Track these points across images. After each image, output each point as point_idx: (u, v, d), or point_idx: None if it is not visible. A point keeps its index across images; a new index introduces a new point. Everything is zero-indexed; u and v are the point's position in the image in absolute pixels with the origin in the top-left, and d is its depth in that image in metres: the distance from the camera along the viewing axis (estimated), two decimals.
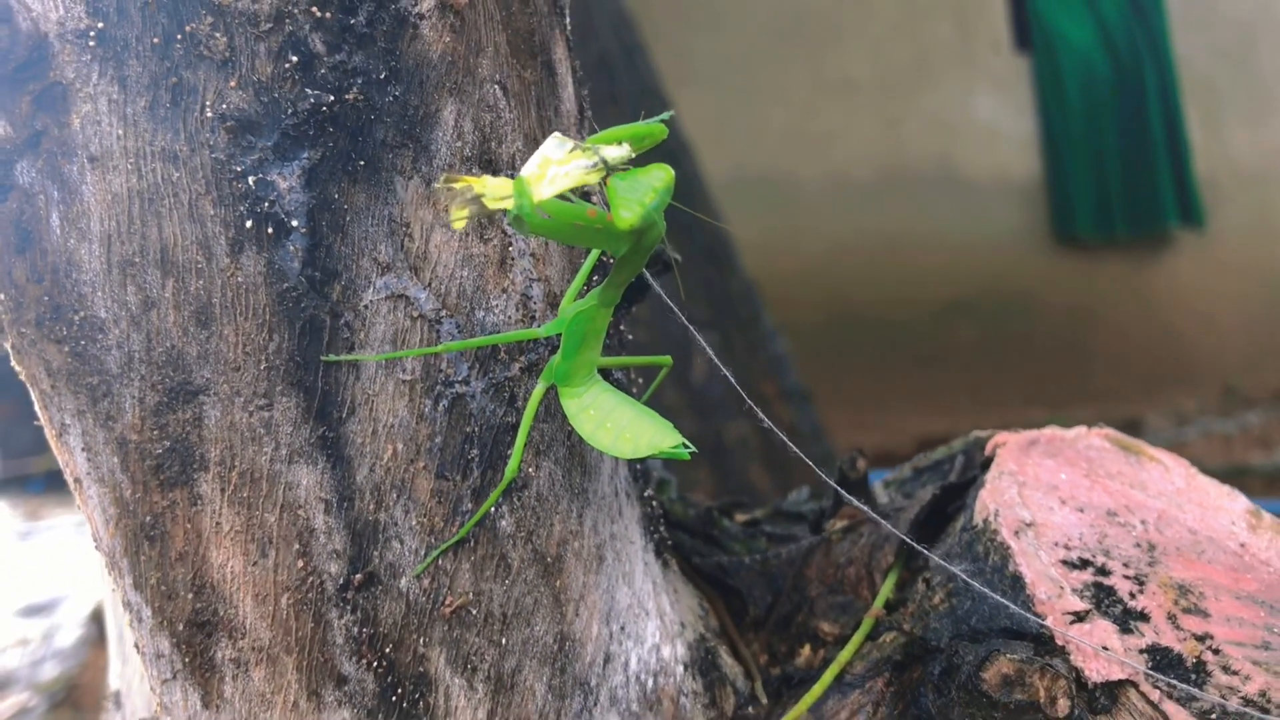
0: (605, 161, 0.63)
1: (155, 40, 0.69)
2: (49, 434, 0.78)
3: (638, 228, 0.61)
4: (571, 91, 0.86)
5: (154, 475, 0.73)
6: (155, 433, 0.73)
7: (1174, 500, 0.94)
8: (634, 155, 0.64)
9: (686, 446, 0.70)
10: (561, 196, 0.63)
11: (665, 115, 0.68)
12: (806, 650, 0.91)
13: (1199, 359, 5.74)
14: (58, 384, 0.74)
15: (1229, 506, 0.95)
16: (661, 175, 0.62)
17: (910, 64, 5.25)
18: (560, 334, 0.74)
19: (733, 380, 0.74)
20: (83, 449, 0.75)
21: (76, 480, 0.77)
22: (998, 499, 0.89)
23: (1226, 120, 5.83)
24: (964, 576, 0.79)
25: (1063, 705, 0.72)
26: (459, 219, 0.60)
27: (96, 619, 3.03)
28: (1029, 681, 0.73)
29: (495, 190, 0.61)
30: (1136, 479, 0.95)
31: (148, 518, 0.74)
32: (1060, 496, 0.91)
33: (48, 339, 0.73)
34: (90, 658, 2.98)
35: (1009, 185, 5.41)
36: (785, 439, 0.77)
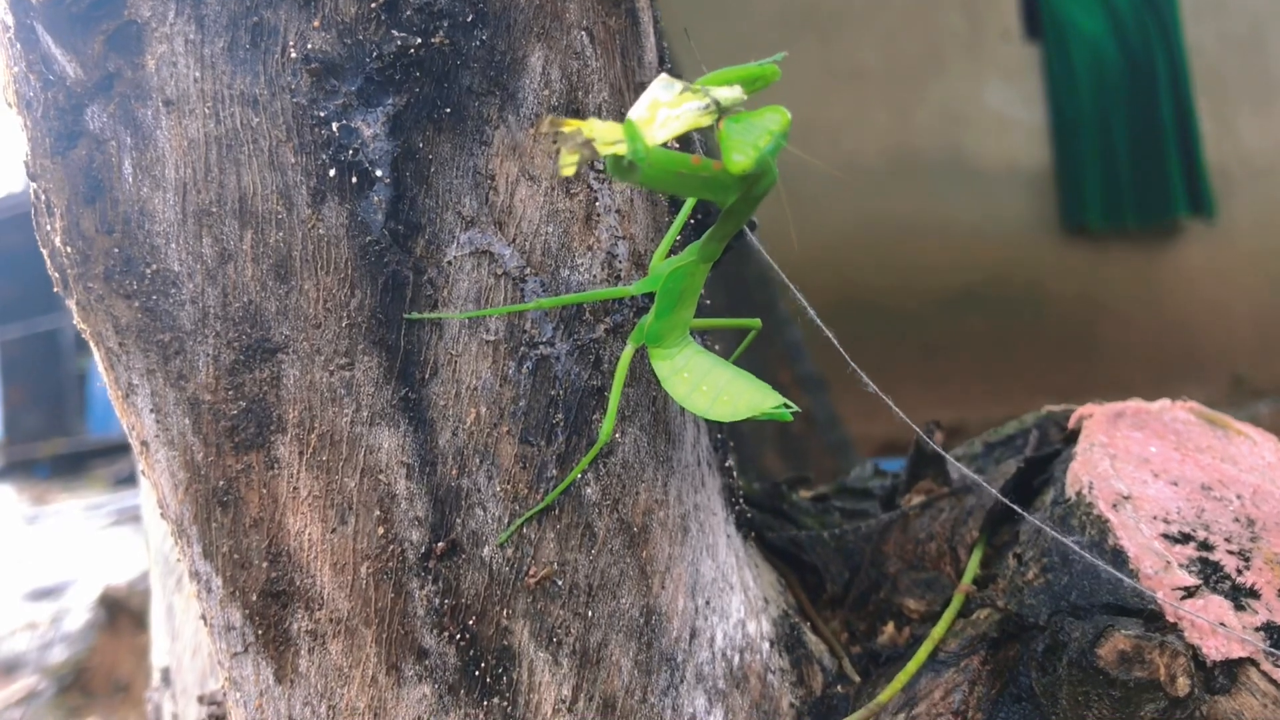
0: (718, 103, 0.59)
1: None
2: (113, 395, 0.74)
3: (751, 173, 0.58)
4: (653, 42, 0.82)
5: (228, 437, 0.70)
6: (230, 393, 0.69)
7: (1267, 475, 0.90)
8: (746, 98, 0.61)
9: (788, 406, 0.67)
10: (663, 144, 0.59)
11: (778, 56, 0.64)
12: (890, 628, 0.88)
13: (1208, 350, 5.72)
14: (126, 342, 0.70)
15: None
16: (777, 118, 0.58)
17: (920, 53, 5.21)
18: (650, 292, 0.71)
19: (835, 342, 0.71)
20: (151, 410, 0.71)
21: (143, 443, 0.73)
22: (1091, 471, 0.85)
23: (1237, 110, 5.80)
24: (1078, 549, 0.76)
25: (1182, 684, 0.69)
26: (569, 164, 0.56)
27: (104, 603, 3.01)
28: (1148, 659, 0.70)
29: (605, 134, 0.57)
30: (1226, 453, 0.92)
31: (220, 482, 0.70)
32: (1152, 469, 0.87)
33: (117, 294, 0.69)
34: (98, 642, 2.95)
35: (1018, 174, 5.37)
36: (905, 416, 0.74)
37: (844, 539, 0.94)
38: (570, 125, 0.56)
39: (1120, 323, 5.53)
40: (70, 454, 6.13)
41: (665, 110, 0.58)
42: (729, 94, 0.59)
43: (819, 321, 0.75)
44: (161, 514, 0.75)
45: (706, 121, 0.59)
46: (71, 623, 3.12)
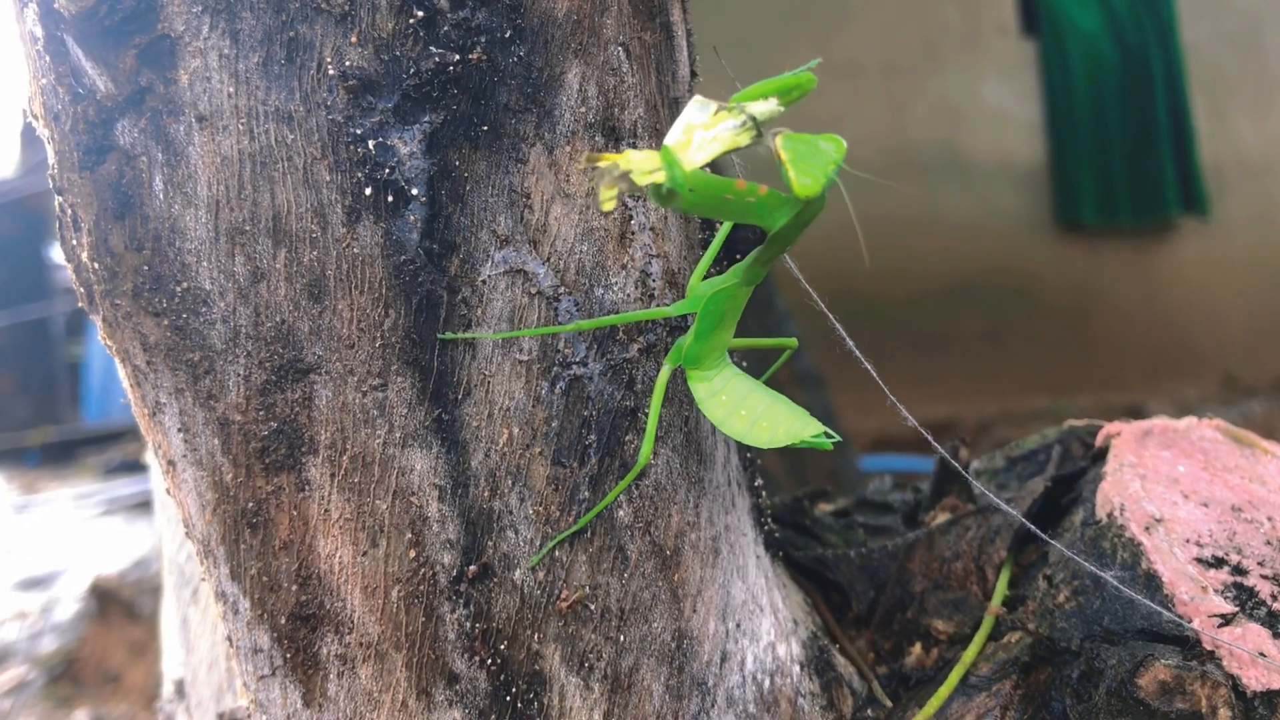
0: (754, 119, 0.58)
1: None
2: (139, 413, 0.73)
3: (812, 199, 0.57)
4: (687, 55, 0.81)
5: (258, 458, 0.69)
6: (261, 413, 0.68)
7: None
8: (783, 110, 0.60)
9: (829, 435, 0.66)
10: (707, 168, 0.58)
11: (813, 63, 0.63)
12: (917, 649, 0.87)
13: (1201, 347, 5.73)
14: (154, 360, 0.69)
15: None
16: (836, 146, 0.57)
17: (917, 48, 5.21)
18: (688, 314, 0.70)
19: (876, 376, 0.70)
20: (179, 430, 0.70)
21: (170, 462, 0.72)
22: (1122, 492, 0.85)
23: (1233, 109, 5.81)
24: (1114, 582, 0.75)
25: (1224, 716, 0.68)
26: (608, 199, 0.55)
27: (95, 593, 2.99)
28: (1190, 690, 0.69)
29: (641, 164, 0.56)
30: (1254, 473, 0.91)
31: (250, 504, 0.69)
32: (1182, 490, 0.87)
33: (145, 311, 0.68)
34: (88, 632, 2.94)
35: (1014, 170, 5.37)
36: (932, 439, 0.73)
37: (870, 557, 0.93)
38: (607, 159, 0.54)
39: (1114, 319, 5.54)
40: (60, 442, 6.10)
41: (701, 133, 0.57)
42: (765, 108, 0.58)
43: (842, 333, 0.74)
44: (187, 533, 0.74)
45: (745, 140, 0.58)
46: (61, 613, 3.11)
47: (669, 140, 0.56)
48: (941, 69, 5.25)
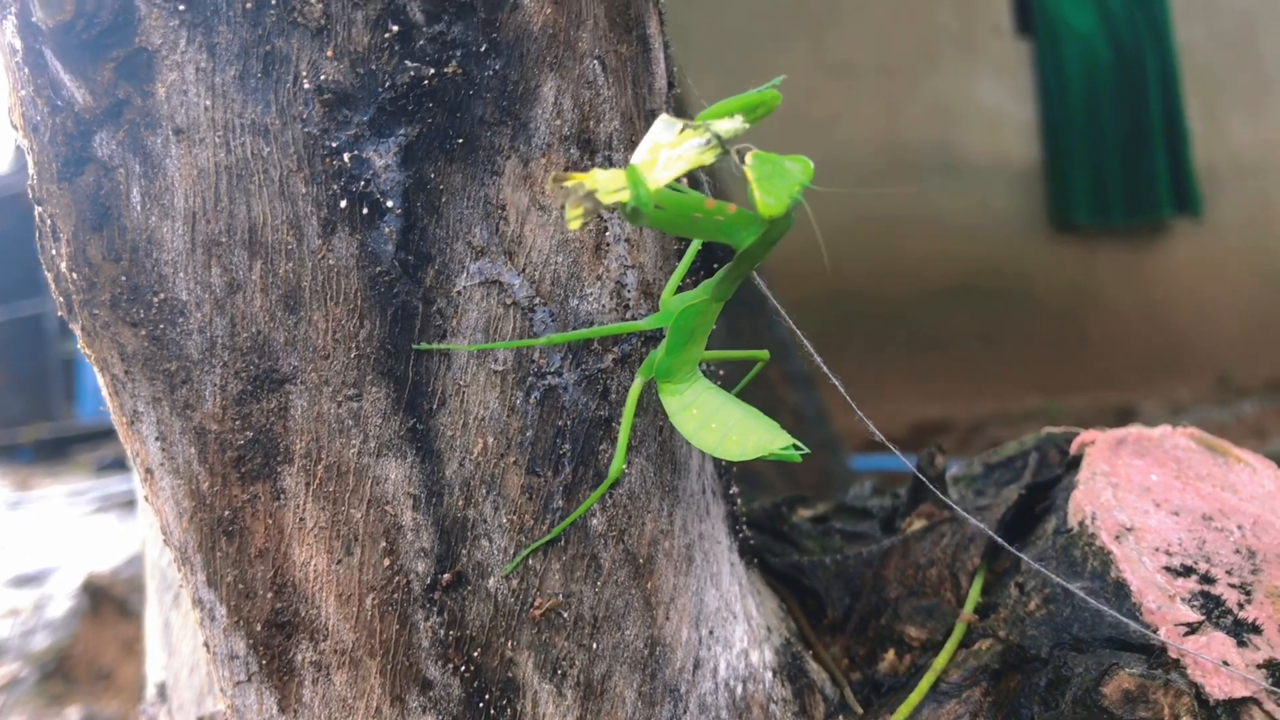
0: (719, 137, 0.59)
1: (247, 5, 0.65)
2: (117, 421, 0.74)
3: (778, 219, 0.58)
4: (664, 67, 0.82)
5: (234, 467, 0.69)
6: (237, 422, 0.69)
7: (1267, 504, 0.91)
8: (749, 127, 0.60)
9: (798, 448, 0.66)
10: (674, 186, 0.59)
11: (777, 80, 0.64)
12: (891, 655, 0.88)
13: (1194, 347, 5.75)
14: (132, 369, 0.70)
15: None
16: (802, 167, 0.58)
17: (912, 47, 5.21)
18: (661, 327, 0.71)
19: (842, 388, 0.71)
20: (156, 438, 0.71)
21: (148, 470, 0.73)
22: (1093, 501, 0.86)
23: (1227, 110, 5.82)
24: (1081, 594, 0.76)
25: None
26: (574, 218, 0.56)
27: (87, 590, 2.99)
28: (1153, 698, 0.70)
29: (607, 183, 0.56)
30: (1226, 481, 0.92)
31: (226, 512, 0.70)
32: (1154, 499, 0.88)
33: (123, 321, 0.68)
34: (81, 629, 2.94)
35: (1008, 170, 5.38)
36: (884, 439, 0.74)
37: (845, 564, 0.94)
38: (573, 179, 0.55)
39: (1107, 319, 5.55)
40: (53, 439, 6.10)
41: (666, 152, 0.58)
42: (730, 126, 0.59)
43: (808, 347, 0.75)
44: (165, 540, 0.75)
45: (709, 158, 0.58)
46: (54, 610, 3.11)
47: (635, 159, 0.57)
48: (936, 69, 5.25)
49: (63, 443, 6.08)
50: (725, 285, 0.67)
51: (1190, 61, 5.61)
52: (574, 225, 0.55)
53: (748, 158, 0.58)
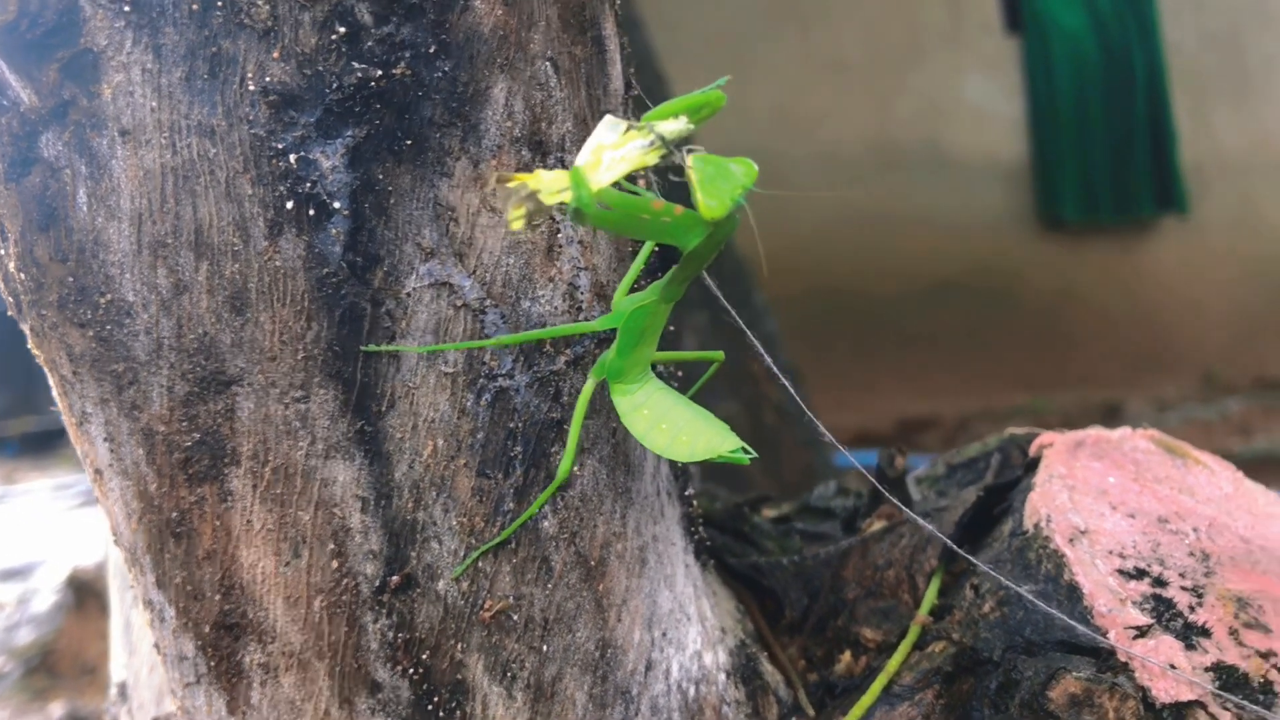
0: (663, 138, 0.59)
1: (194, 7, 0.64)
2: (67, 422, 0.74)
3: (720, 221, 0.58)
4: (620, 69, 0.82)
5: (182, 469, 0.69)
6: (184, 424, 0.69)
7: (1223, 506, 0.91)
8: (693, 128, 0.60)
9: (746, 451, 0.66)
10: (621, 185, 0.59)
11: (721, 81, 0.64)
12: (847, 657, 0.88)
13: (1180, 345, 5.75)
14: (80, 370, 0.70)
15: (1279, 513, 0.93)
16: (745, 170, 0.58)
17: (901, 44, 5.21)
18: (613, 328, 0.70)
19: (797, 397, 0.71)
20: (105, 439, 0.71)
21: (97, 471, 0.73)
22: (1049, 503, 0.86)
23: (1213, 109, 5.83)
24: (1029, 597, 0.76)
25: None
26: (516, 218, 0.56)
27: (72, 585, 2.98)
28: (1098, 702, 0.70)
29: (550, 184, 0.56)
30: (1184, 483, 0.93)
31: (174, 513, 0.70)
32: (1110, 501, 0.88)
33: (70, 322, 0.68)
34: (66, 624, 2.93)
35: (996, 167, 5.39)
36: (836, 442, 0.74)
37: (804, 565, 0.94)
38: (516, 179, 0.55)
39: (1094, 316, 5.56)
40: (39, 432, 6.07)
41: (610, 153, 0.58)
42: (673, 128, 0.59)
43: (761, 349, 0.75)
44: (115, 541, 0.75)
45: (652, 159, 0.59)
46: (39, 604, 3.10)
47: (579, 160, 0.57)
48: (925, 66, 5.25)
49: (49, 436, 6.05)
50: (674, 286, 0.67)
51: (1178, 60, 5.61)
52: (516, 225, 0.55)
53: (690, 159, 0.58)
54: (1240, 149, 5.86)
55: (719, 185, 0.57)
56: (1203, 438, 5.00)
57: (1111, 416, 5.24)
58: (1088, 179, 5.48)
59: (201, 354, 0.68)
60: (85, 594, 2.97)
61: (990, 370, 5.21)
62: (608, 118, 0.59)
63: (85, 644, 2.84)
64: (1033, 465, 0.95)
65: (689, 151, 0.58)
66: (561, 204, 0.56)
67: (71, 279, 0.67)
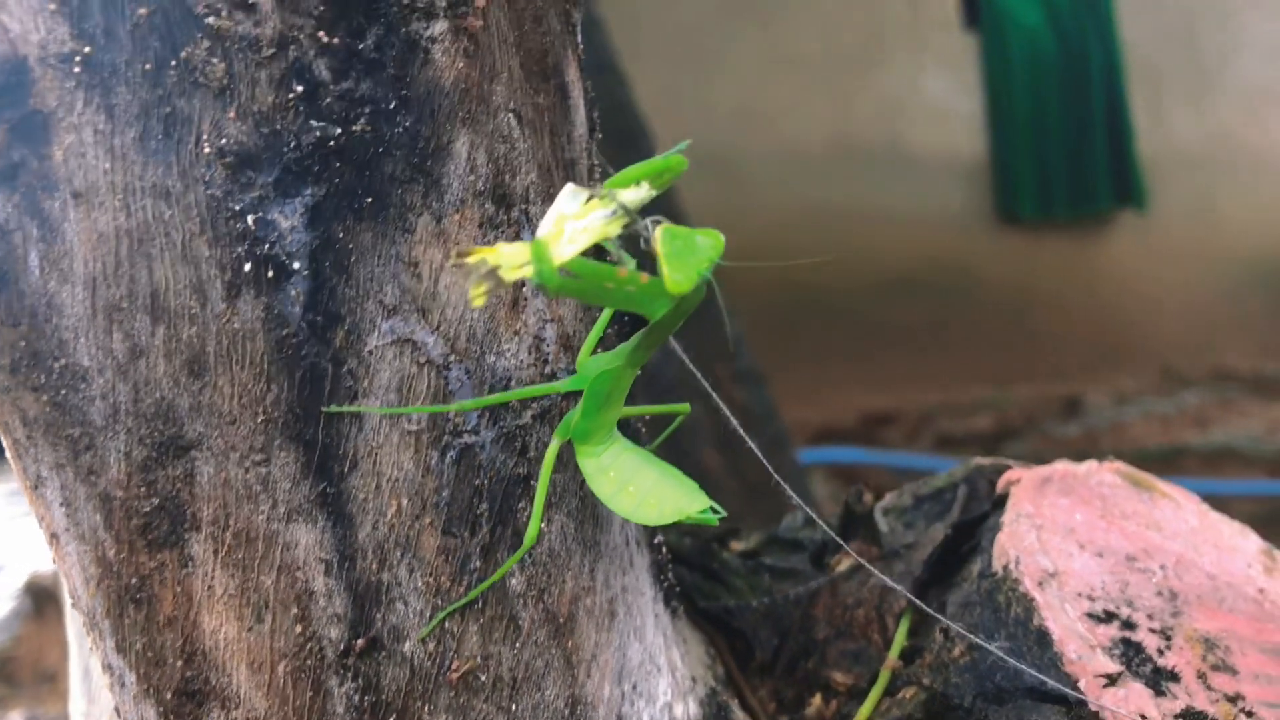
0: (624, 208, 0.58)
1: (147, 66, 0.63)
2: (22, 485, 0.72)
3: (687, 294, 0.57)
4: (583, 114, 0.81)
5: (141, 535, 0.68)
6: (143, 489, 0.67)
7: (1190, 542, 0.91)
8: (655, 194, 0.60)
9: (715, 511, 0.66)
10: (587, 254, 0.58)
11: (682, 145, 0.63)
12: (817, 700, 0.88)
13: (1138, 338, 5.80)
14: (34, 434, 0.68)
15: (1243, 547, 0.93)
16: (713, 242, 0.57)
17: (860, 41, 5.22)
18: (578, 389, 0.70)
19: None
20: (61, 504, 0.69)
21: (53, 535, 0.71)
22: (1017, 544, 0.86)
23: (1170, 103, 5.87)
24: (999, 653, 0.76)
25: None
26: (478, 296, 0.55)
27: (30, 591, 2.94)
28: None
29: (511, 259, 0.55)
30: (1151, 518, 0.93)
31: (133, 579, 0.68)
32: (1078, 540, 0.88)
33: (24, 386, 0.67)
34: (24, 631, 2.89)
35: (955, 163, 5.41)
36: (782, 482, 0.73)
37: (773, 605, 0.94)
38: (476, 254, 0.54)
39: (1053, 311, 5.60)
40: None
41: (572, 224, 0.57)
42: (636, 196, 0.58)
43: (699, 374, 0.74)
44: (73, 604, 0.73)
45: (615, 230, 0.58)
46: None
47: (540, 231, 0.56)
48: (884, 63, 5.27)
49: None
50: (639, 353, 0.66)
51: (1135, 57, 5.65)
52: (478, 303, 0.54)
53: (657, 232, 0.57)
54: (1196, 144, 5.92)
55: (685, 259, 0.56)
56: (1161, 430, 5.06)
57: (1072, 409, 5.29)
58: (1045, 175, 5.52)
59: (159, 418, 0.66)
60: (43, 600, 2.93)
61: (951, 365, 5.24)
62: (569, 186, 0.58)
63: (44, 651, 2.81)
64: (1000, 502, 0.95)
65: (655, 223, 0.57)
66: (523, 279, 0.55)
67: (24, 343, 0.66)
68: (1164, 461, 4.70)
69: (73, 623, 1.03)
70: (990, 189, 5.47)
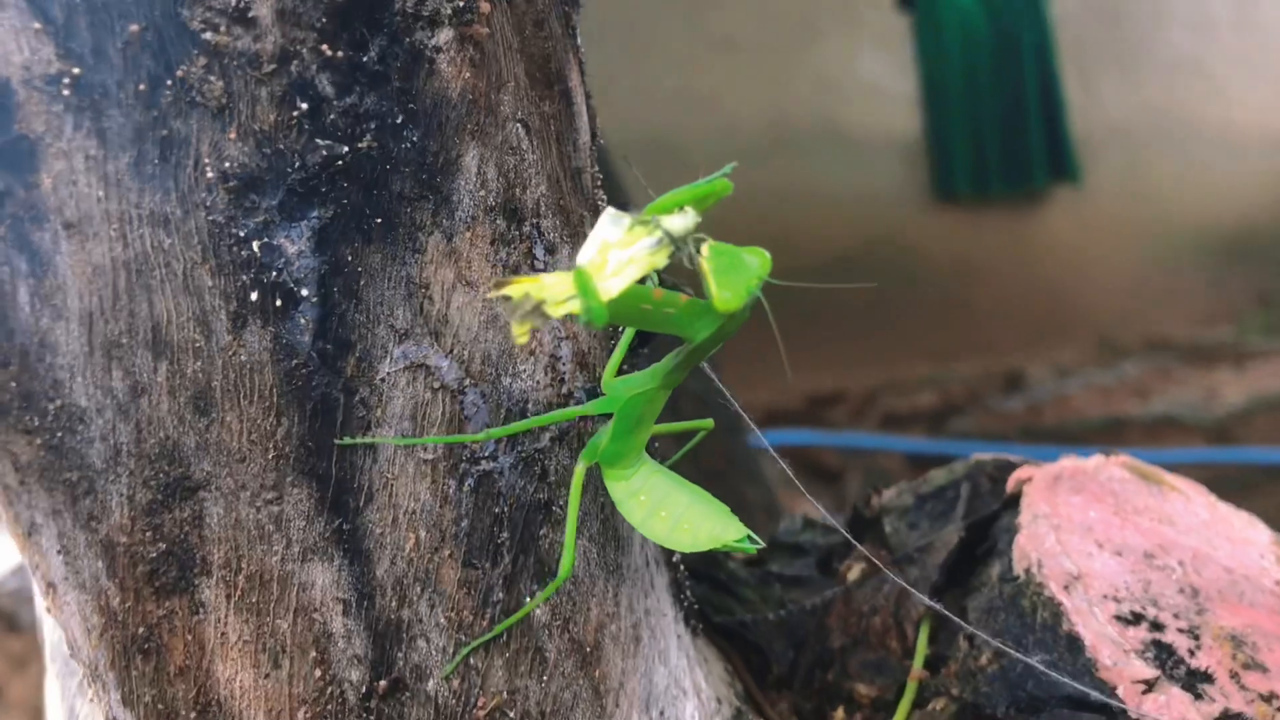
0: (670, 235, 0.55)
1: (140, 87, 0.59)
2: (13, 533, 0.68)
3: (736, 313, 0.54)
4: (586, 120, 0.77)
5: (147, 582, 0.64)
6: (148, 534, 0.63)
7: (1203, 535, 0.90)
8: (700, 220, 0.56)
9: (753, 539, 0.63)
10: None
11: (728, 169, 0.60)
12: (840, 714, 0.86)
13: (1076, 311, 5.87)
14: (28, 480, 0.64)
15: (1255, 538, 0.92)
16: (760, 261, 0.55)
17: (794, 22, 5.21)
18: (607, 412, 0.66)
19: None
20: (59, 551, 0.65)
21: (50, 584, 0.67)
22: (1038, 547, 0.84)
23: (1101, 79, 5.93)
24: (1043, 668, 0.74)
25: None
26: (522, 334, 0.52)
27: None
28: None
29: (555, 292, 0.52)
30: (1163, 513, 0.92)
31: (140, 629, 0.65)
32: (1096, 539, 0.86)
33: (15, 430, 0.62)
34: None
35: (891, 143, 5.43)
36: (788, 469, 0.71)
37: (787, 616, 0.91)
38: (519, 286, 0.51)
39: (992, 286, 5.64)
40: None
41: (616, 252, 0.53)
42: (681, 223, 0.55)
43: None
44: (72, 654, 0.69)
45: (662, 260, 0.55)
46: None
47: (582, 259, 0.53)
48: (819, 44, 5.26)
49: None
50: (676, 374, 0.63)
51: (1065, 33, 5.71)
52: (522, 340, 0.51)
53: (704, 249, 0.54)
54: (1127, 118, 5.99)
55: (733, 277, 0.54)
56: (1102, 402, 5.12)
57: (1014, 383, 5.34)
58: (980, 152, 5.56)
59: (164, 459, 0.62)
60: None
61: (893, 343, 5.26)
62: (609, 211, 0.55)
63: None
64: (1010, 501, 0.93)
65: (701, 241, 0.55)
66: (570, 314, 0.52)
67: (15, 384, 0.61)
68: (1106, 432, 4.76)
69: (52, 661, 0.98)
70: (926, 168, 5.50)
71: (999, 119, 5.60)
